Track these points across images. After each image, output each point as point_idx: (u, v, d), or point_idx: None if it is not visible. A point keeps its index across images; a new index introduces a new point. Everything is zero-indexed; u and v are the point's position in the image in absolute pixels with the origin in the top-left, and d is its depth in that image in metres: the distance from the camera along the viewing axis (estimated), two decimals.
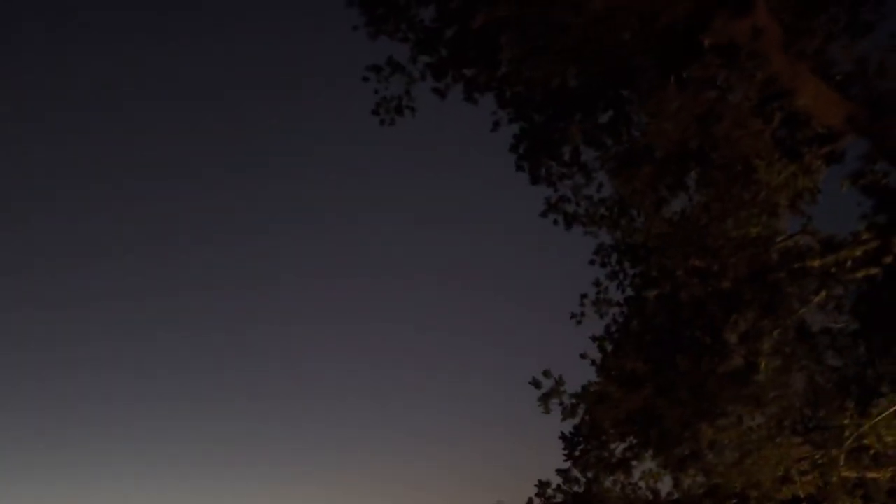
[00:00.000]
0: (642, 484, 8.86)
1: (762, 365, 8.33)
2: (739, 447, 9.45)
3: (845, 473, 9.32)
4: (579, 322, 9.74)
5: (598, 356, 9.78)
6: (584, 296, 9.93)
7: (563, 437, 8.93)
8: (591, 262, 11.06)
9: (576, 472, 8.86)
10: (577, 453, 8.74)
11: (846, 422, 9.21)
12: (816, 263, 8.54)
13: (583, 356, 9.05)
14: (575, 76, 9.15)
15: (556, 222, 10.08)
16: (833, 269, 8.70)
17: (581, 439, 8.70)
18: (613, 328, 9.83)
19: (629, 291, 9.97)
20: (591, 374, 9.66)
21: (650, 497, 9.00)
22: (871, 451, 9.49)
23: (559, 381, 8.86)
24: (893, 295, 10.32)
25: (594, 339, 9.56)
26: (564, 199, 10.12)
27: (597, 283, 10.01)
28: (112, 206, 29.59)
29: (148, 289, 29.97)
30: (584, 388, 8.89)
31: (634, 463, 8.70)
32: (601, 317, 9.71)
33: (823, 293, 9.02)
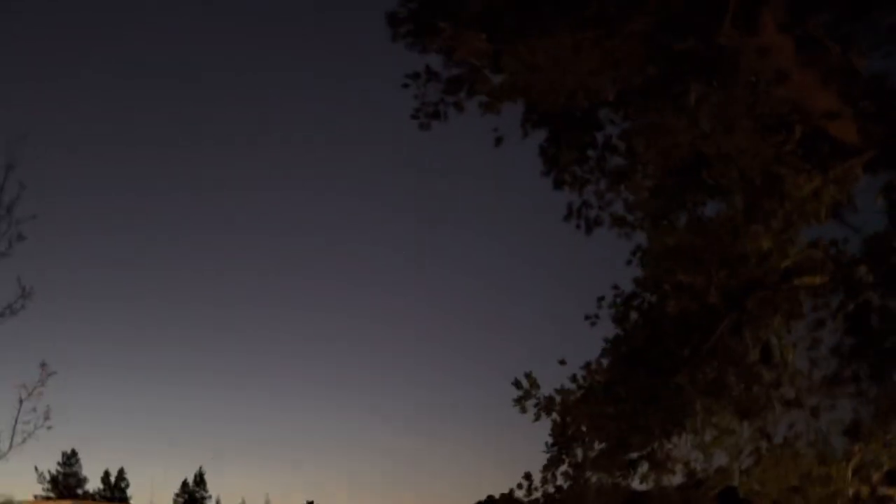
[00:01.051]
0: (622, 481, 9.14)
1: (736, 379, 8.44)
2: (753, 454, 9.60)
3: (854, 488, 9.29)
4: (593, 324, 10.06)
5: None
6: (601, 298, 10.23)
7: (551, 433, 9.34)
8: (629, 263, 11.32)
9: (561, 468, 9.27)
10: (560, 450, 9.15)
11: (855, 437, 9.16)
12: (817, 281, 8.51)
13: (561, 362, 9.41)
14: (591, 93, 9.45)
15: (577, 227, 10.42)
16: (840, 287, 8.63)
17: (564, 437, 9.09)
18: (633, 333, 10.09)
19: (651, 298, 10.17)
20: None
21: (629, 490, 9.27)
22: (885, 469, 9.39)
23: (533, 384, 9.27)
24: None
25: (606, 341, 9.88)
26: (587, 204, 10.44)
27: (615, 287, 10.28)
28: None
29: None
30: (557, 391, 9.26)
31: (615, 461, 9.00)
32: (615, 321, 9.98)
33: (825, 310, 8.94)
